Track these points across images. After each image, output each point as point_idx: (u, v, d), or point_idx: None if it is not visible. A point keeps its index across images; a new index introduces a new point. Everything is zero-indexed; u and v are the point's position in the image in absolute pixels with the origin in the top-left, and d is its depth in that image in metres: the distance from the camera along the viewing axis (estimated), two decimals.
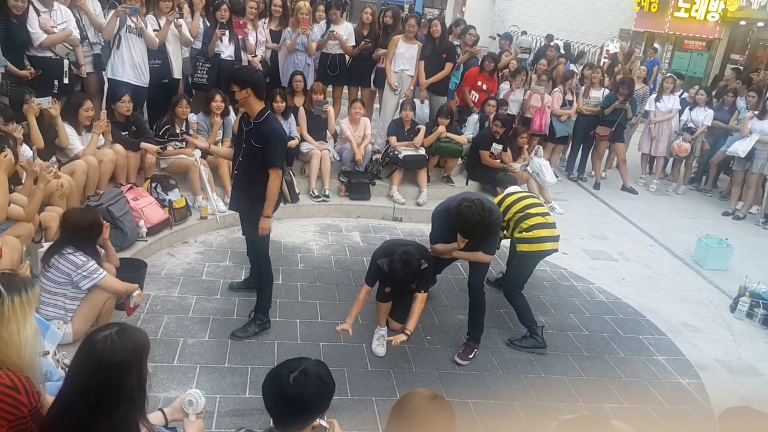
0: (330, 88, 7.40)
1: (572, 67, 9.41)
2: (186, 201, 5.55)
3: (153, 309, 4.26)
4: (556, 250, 4.51)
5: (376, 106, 7.61)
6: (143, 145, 5.45)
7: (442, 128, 6.66)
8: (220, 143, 5.95)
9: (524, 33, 15.71)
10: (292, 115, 6.45)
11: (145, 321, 4.10)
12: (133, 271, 4.14)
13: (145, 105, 6.25)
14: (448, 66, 7.01)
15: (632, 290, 5.56)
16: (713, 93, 8.85)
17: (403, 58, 6.81)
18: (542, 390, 3.91)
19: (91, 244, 3.60)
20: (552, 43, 11.56)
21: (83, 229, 3.54)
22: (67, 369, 2.22)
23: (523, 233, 4.32)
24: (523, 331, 4.42)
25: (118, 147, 5.25)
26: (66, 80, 5.37)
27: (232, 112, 6.17)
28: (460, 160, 7.24)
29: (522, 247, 4.35)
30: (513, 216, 4.37)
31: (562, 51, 11.09)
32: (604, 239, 6.74)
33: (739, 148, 7.65)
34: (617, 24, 19.07)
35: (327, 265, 5.28)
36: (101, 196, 4.84)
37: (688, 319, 5.15)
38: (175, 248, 5.26)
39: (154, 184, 5.49)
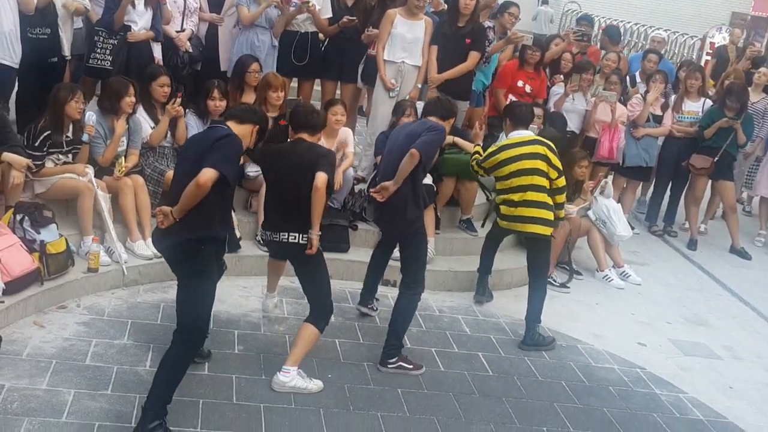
0: (295, 83, 7.49)
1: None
2: (67, 243, 5.55)
3: (7, 408, 4.20)
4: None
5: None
6: (5, 156, 5.46)
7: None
8: (124, 155, 5.99)
9: (545, 2, 16.09)
10: None
11: None
12: None
13: (13, 96, 6.31)
14: (474, 56, 7.05)
15: (744, 404, 5.59)
16: None
17: (404, 41, 6.83)
18: None
19: None
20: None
21: None
22: None
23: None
24: None
25: None
26: None
27: (141, 110, 6.19)
28: (485, 197, 7.14)
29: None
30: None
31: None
32: (702, 325, 6.81)
33: None
34: (727, 6, 19.62)
35: (280, 350, 5.25)
36: None
37: None
38: (47, 315, 5.24)
39: (19, 217, 5.49)
